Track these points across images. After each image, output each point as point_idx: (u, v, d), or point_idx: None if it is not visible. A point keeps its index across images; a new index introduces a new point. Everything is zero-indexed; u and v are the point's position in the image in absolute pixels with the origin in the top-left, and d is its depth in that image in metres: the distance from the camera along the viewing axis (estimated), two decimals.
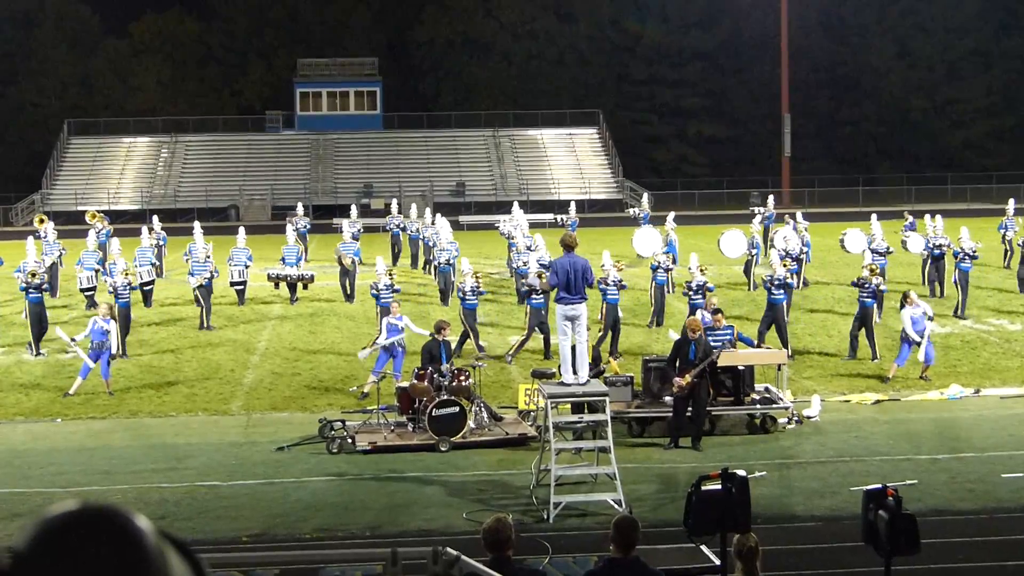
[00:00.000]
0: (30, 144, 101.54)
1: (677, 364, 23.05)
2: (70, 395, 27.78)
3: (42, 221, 48.59)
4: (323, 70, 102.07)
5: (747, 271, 43.50)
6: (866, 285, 30.55)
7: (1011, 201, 49.23)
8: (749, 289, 42.41)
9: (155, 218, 49.18)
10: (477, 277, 32.90)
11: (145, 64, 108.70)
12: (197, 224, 46.27)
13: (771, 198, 55.42)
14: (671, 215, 47.18)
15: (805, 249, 42.68)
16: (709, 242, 47.83)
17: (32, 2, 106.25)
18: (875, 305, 31.22)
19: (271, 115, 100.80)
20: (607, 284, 31.67)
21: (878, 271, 32.16)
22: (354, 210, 44.45)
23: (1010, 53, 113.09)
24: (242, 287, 40.92)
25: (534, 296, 31.79)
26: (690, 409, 22.87)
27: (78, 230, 50.21)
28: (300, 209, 54.90)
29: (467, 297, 32.03)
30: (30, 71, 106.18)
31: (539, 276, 31.23)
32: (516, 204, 53.25)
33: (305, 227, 51.77)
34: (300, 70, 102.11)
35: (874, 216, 46.38)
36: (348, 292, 41.30)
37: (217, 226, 50.17)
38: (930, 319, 28.16)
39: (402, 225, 51.16)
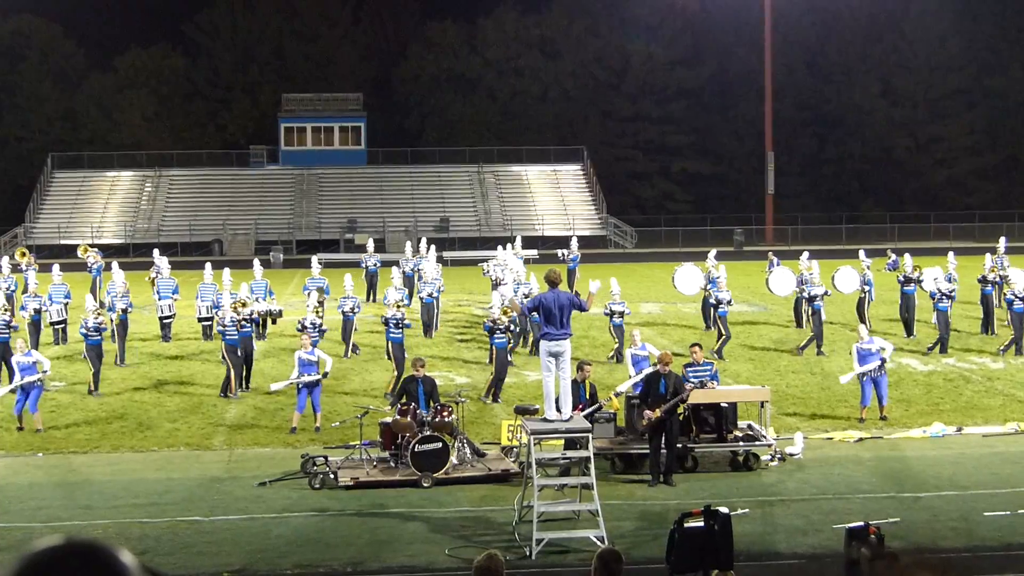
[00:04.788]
0: (14, 178, 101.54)
1: (648, 398, 23.11)
2: (40, 431, 27.71)
3: (24, 254, 48.54)
4: (308, 105, 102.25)
5: (704, 308, 43.19)
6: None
7: (1002, 240, 49.34)
8: (707, 328, 42.17)
9: (156, 252, 48.82)
10: (505, 312, 32.49)
11: (130, 98, 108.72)
12: (160, 255, 46.20)
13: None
14: (713, 252, 46.53)
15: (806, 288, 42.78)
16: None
17: (17, 36, 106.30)
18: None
19: (255, 150, 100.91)
20: (496, 329, 31.68)
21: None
22: (315, 262, 43.61)
23: (993, 92, 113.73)
24: (209, 322, 40.62)
25: (497, 335, 31.72)
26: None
27: (66, 263, 49.92)
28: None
29: (496, 335, 31.84)
30: (14, 105, 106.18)
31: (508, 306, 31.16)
32: (519, 240, 52.26)
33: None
34: (285, 105, 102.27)
35: (862, 252, 46.47)
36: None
37: (200, 260, 49.97)
38: (882, 361, 28.12)
39: (378, 263, 50.49)
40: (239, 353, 32.00)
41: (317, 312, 33.47)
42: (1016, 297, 36.90)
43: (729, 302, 38.05)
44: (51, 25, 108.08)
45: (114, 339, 37.37)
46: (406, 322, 33.16)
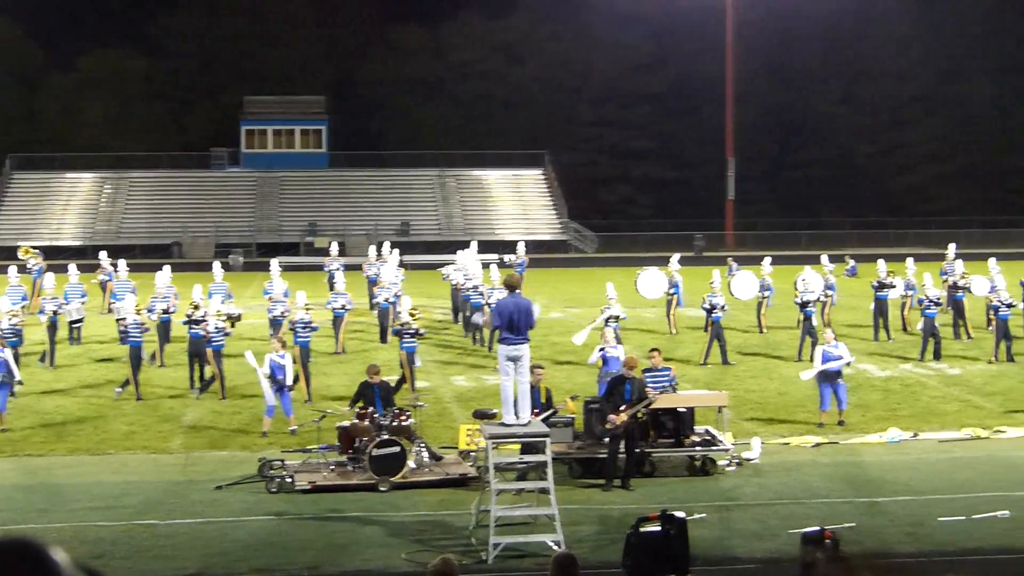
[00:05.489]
0: None
1: (612, 401, 23.13)
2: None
3: (28, 252, 48.29)
4: (269, 108, 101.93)
5: (668, 312, 43.44)
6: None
7: (951, 246, 49.58)
8: (671, 333, 42.40)
9: (103, 254, 48.66)
10: (413, 315, 32.70)
11: (91, 100, 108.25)
12: (106, 257, 46.03)
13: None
14: (676, 256, 46.67)
15: (767, 294, 42.91)
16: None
17: None
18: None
19: (216, 152, 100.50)
20: (404, 333, 31.74)
21: None
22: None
23: (953, 99, 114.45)
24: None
25: (405, 339, 31.74)
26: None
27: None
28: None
29: (405, 339, 31.95)
30: None
31: (484, 315, 31.31)
32: (474, 245, 52.24)
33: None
34: (246, 107, 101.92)
35: (824, 258, 46.67)
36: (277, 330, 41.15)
37: (159, 262, 49.76)
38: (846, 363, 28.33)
39: (341, 267, 50.27)
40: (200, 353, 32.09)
41: (307, 308, 33.44)
42: (1002, 304, 37.21)
43: (723, 307, 38.05)
44: (11, 25, 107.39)
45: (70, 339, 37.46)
46: (420, 330, 33.08)
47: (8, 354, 28.63)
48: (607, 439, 23.14)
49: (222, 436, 27.51)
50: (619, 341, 35.80)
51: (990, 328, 39.19)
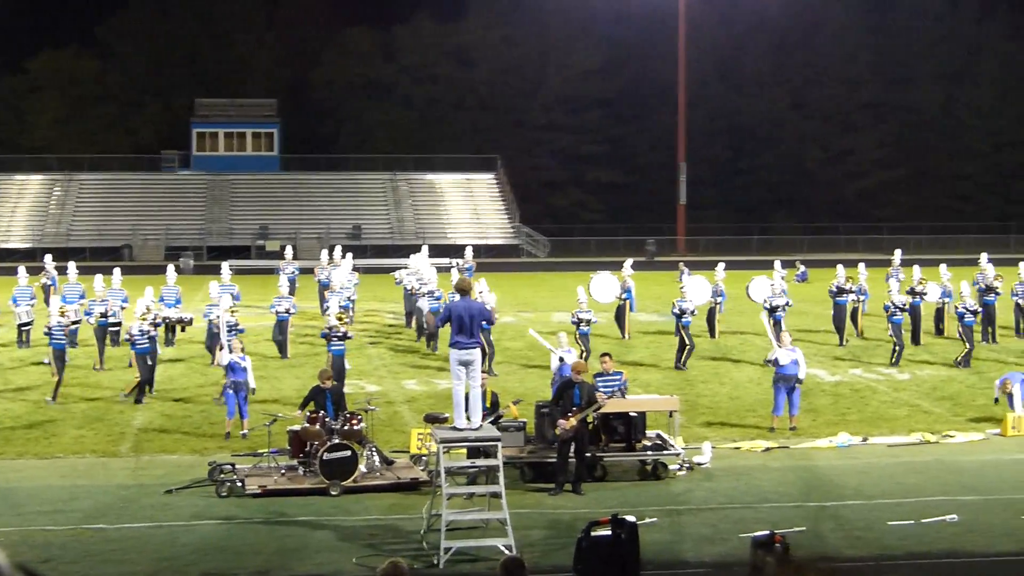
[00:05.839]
0: None
1: (561, 405, 23.14)
2: None
3: None
4: (221, 110, 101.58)
5: (619, 317, 43.43)
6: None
7: (897, 252, 49.93)
8: (623, 337, 42.44)
9: (48, 257, 48.38)
10: (340, 319, 32.59)
11: (40, 101, 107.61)
12: (51, 260, 45.81)
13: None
14: (629, 261, 46.74)
15: (720, 299, 42.94)
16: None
17: None
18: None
19: (167, 155, 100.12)
20: (332, 336, 31.70)
21: None
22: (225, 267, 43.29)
23: (904, 106, 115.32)
24: (117, 328, 40.20)
25: (334, 342, 31.67)
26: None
27: None
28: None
29: (333, 342, 31.81)
30: None
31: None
32: (425, 249, 52.19)
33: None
34: (197, 110, 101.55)
35: (777, 263, 46.90)
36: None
37: (109, 265, 49.52)
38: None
39: (297, 271, 50.12)
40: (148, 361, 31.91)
41: (232, 311, 33.30)
42: (967, 311, 37.42)
43: (692, 312, 38.14)
44: None
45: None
46: (348, 334, 32.96)
47: None
48: (556, 442, 23.16)
49: (172, 440, 27.38)
50: (588, 344, 36.06)
51: (938, 335, 39.41)
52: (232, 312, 33.27)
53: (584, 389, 23.11)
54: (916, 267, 44.85)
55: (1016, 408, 28.49)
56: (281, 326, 38.93)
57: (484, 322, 20.98)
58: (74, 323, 37.02)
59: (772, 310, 39.47)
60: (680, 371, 36.34)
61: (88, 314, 37.97)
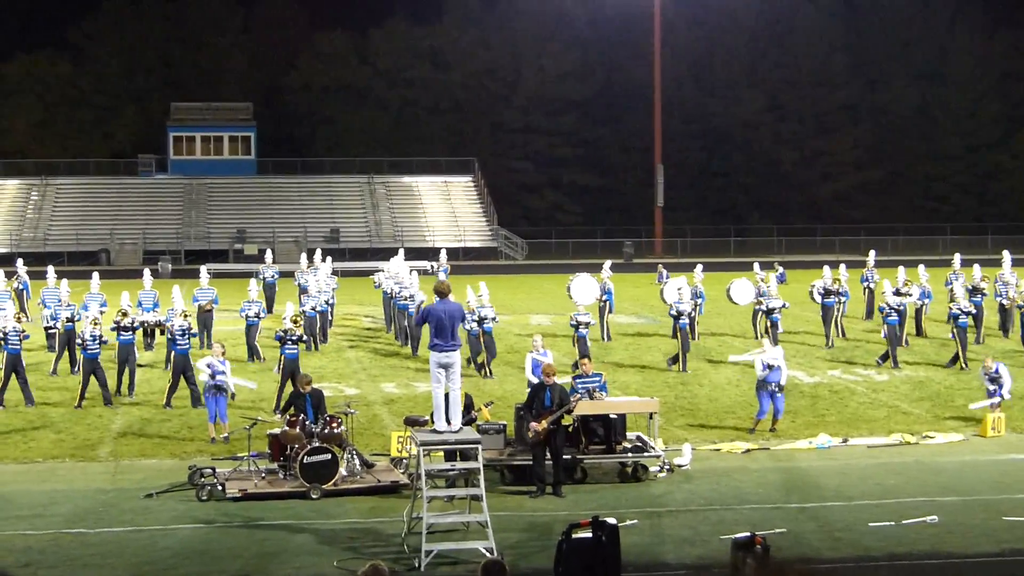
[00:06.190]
0: None
1: (533, 410, 23.14)
2: None
3: None
4: (197, 114, 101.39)
5: (599, 319, 43.33)
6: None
7: (872, 253, 50.07)
8: (603, 339, 42.35)
9: (19, 261, 48.20)
10: (295, 322, 32.48)
11: (15, 105, 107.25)
12: (22, 265, 45.64)
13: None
14: (608, 263, 46.71)
15: (699, 301, 42.88)
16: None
17: None
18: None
19: (143, 159, 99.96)
20: (287, 340, 31.63)
21: None
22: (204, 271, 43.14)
23: (878, 108, 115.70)
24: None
25: (288, 345, 31.54)
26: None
27: None
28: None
29: (287, 345, 31.69)
30: None
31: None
32: (401, 252, 52.23)
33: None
34: (173, 114, 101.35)
35: (756, 265, 46.99)
36: (206, 338, 40.94)
37: (87, 270, 49.42)
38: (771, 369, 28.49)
39: (276, 275, 49.98)
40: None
41: (185, 316, 33.18)
42: (962, 312, 37.38)
43: (690, 313, 38.05)
44: None
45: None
46: (193, 332, 32.87)
47: None
48: (530, 445, 23.17)
49: (151, 444, 27.31)
50: (586, 347, 36.00)
51: (919, 335, 39.55)
52: (185, 316, 33.21)
53: (555, 392, 23.10)
54: (901, 268, 44.98)
55: (1004, 393, 28.73)
56: (250, 331, 38.79)
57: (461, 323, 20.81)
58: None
59: (769, 312, 39.32)
60: (682, 373, 36.17)
61: (55, 318, 37.93)
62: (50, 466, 25.51)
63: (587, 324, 36.91)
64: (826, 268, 44.15)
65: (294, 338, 31.56)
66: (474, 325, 36.27)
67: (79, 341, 32.69)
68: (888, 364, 37.06)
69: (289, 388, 28.82)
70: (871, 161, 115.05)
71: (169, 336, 32.67)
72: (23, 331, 32.91)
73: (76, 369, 35.57)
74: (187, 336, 31.85)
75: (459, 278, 46.38)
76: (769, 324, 38.87)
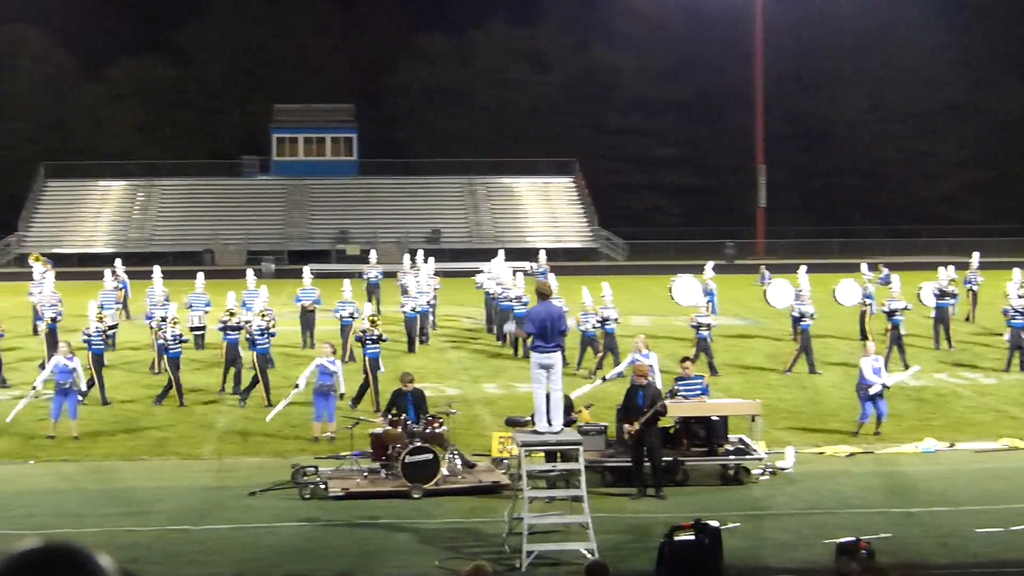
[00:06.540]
0: (5, 187, 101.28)
1: (627, 411, 23.09)
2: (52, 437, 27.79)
3: (38, 259, 48.16)
4: (300, 116, 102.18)
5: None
6: None
7: (975, 254, 49.36)
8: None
9: (117, 261, 48.78)
10: (374, 322, 32.57)
11: (121, 108, 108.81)
12: (157, 268, 46.11)
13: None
14: (710, 264, 46.39)
15: (870, 301, 42.31)
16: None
17: (8, 45, 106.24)
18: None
19: (247, 160, 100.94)
20: (366, 339, 31.63)
21: None
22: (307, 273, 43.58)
23: (985, 107, 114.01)
24: (201, 332, 40.84)
25: (368, 345, 31.61)
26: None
27: (61, 272, 49.51)
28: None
29: (367, 345, 31.80)
30: (7, 113, 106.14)
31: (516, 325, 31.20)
32: (501, 253, 52.38)
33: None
34: (276, 115, 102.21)
35: (864, 266, 46.48)
36: (309, 338, 41.28)
37: (192, 270, 49.98)
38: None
39: (380, 275, 50.23)
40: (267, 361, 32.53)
41: (262, 315, 33.52)
42: (1017, 312, 36.76)
43: (812, 316, 37.40)
44: (42, 34, 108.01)
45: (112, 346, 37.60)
46: (383, 336, 33.01)
47: (77, 362, 28.81)
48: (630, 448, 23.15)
49: (254, 442, 27.55)
50: (709, 349, 35.89)
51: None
52: (263, 316, 33.58)
53: (647, 393, 23.00)
54: (1016, 270, 43.88)
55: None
56: (344, 331, 38.95)
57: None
58: (111, 327, 38.05)
59: (890, 314, 38.39)
60: (815, 375, 35.79)
61: (149, 318, 38.54)
62: (156, 464, 25.82)
63: (708, 326, 36.60)
64: (941, 269, 43.41)
65: (373, 337, 31.72)
66: (589, 326, 36.38)
67: (160, 342, 33.03)
68: (1016, 368, 36.49)
69: (389, 389, 29.03)
70: (977, 161, 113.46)
71: (248, 336, 32.97)
72: (105, 330, 33.38)
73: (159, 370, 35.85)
74: (265, 335, 32.21)
75: (559, 280, 46.27)
76: (890, 326, 37.97)
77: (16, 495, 23.13)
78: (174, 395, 31.91)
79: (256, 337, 32.14)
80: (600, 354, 36.26)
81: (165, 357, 32.79)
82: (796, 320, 37.35)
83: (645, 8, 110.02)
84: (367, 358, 31.61)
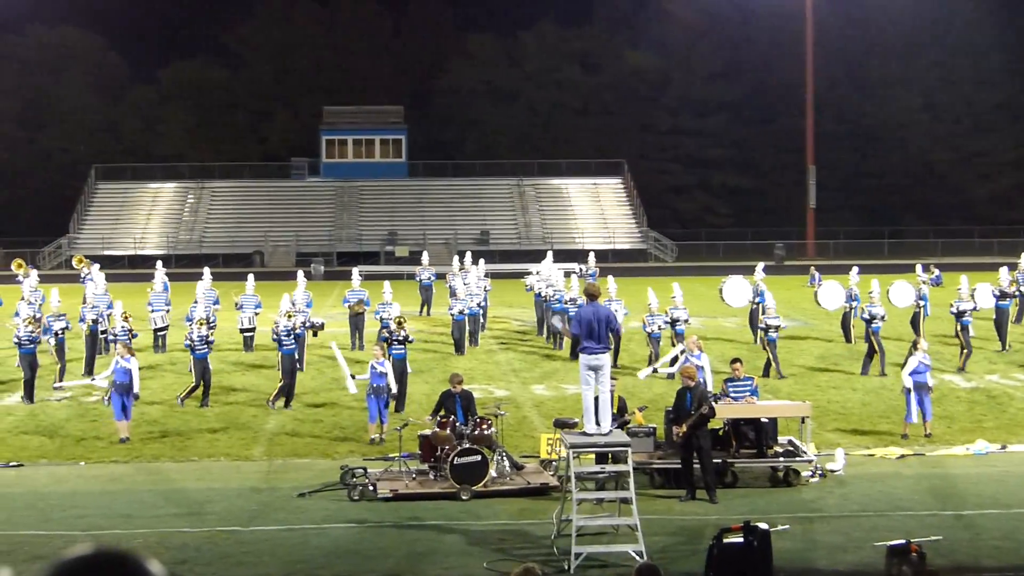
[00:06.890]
0: (57, 189, 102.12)
1: (676, 413, 23.04)
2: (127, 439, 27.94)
3: (81, 261, 48.37)
4: (349, 118, 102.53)
5: (752, 322, 42.72)
6: None
7: None
8: (755, 342, 41.67)
9: (159, 263, 48.87)
10: (399, 323, 32.52)
11: (171, 110, 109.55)
12: (207, 270, 46.27)
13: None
14: (760, 265, 46.28)
15: (854, 304, 41.99)
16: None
17: (61, 47, 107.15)
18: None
19: (296, 162, 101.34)
20: (392, 341, 31.58)
21: None
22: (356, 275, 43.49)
23: None
24: (251, 333, 40.98)
25: (395, 346, 31.54)
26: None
27: (111, 274, 49.71)
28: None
29: (393, 346, 31.75)
30: (58, 116, 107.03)
31: (563, 321, 31.05)
32: (550, 255, 52.40)
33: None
34: (326, 118, 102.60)
35: (919, 267, 46.16)
36: (357, 340, 41.37)
37: (242, 271, 50.23)
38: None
39: (433, 277, 50.34)
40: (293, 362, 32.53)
41: (289, 316, 33.49)
42: None
43: (883, 317, 36.82)
44: (94, 37, 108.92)
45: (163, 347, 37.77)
46: (410, 338, 32.95)
47: (134, 363, 28.97)
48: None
49: (303, 444, 27.64)
50: (775, 351, 35.74)
51: None
52: (289, 317, 33.57)
53: (695, 394, 22.93)
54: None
55: None
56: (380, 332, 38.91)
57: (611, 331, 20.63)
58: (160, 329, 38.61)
59: (959, 315, 38.04)
60: (883, 377, 35.47)
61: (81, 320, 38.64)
62: (205, 465, 25.95)
63: (776, 327, 36.36)
64: (1003, 269, 43.05)
65: (399, 338, 31.72)
66: (656, 327, 36.43)
67: (187, 343, 33.08)
68: None
69: (437, 391, 29.07)
70: None
71: (274, 337, 32.99)
72: (206, 336, 33.42)
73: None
74: (292, 336, 32.26)
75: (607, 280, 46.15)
76: (960, 327, 37.59)
77: (67, 496, 23.29)
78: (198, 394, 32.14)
79: (283, 338, 32.15)
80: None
81: (192, 358, 32.84)
82: (867, 322, 36.85)
83: (695, 9, 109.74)
84: (392, 359, 31.58)
